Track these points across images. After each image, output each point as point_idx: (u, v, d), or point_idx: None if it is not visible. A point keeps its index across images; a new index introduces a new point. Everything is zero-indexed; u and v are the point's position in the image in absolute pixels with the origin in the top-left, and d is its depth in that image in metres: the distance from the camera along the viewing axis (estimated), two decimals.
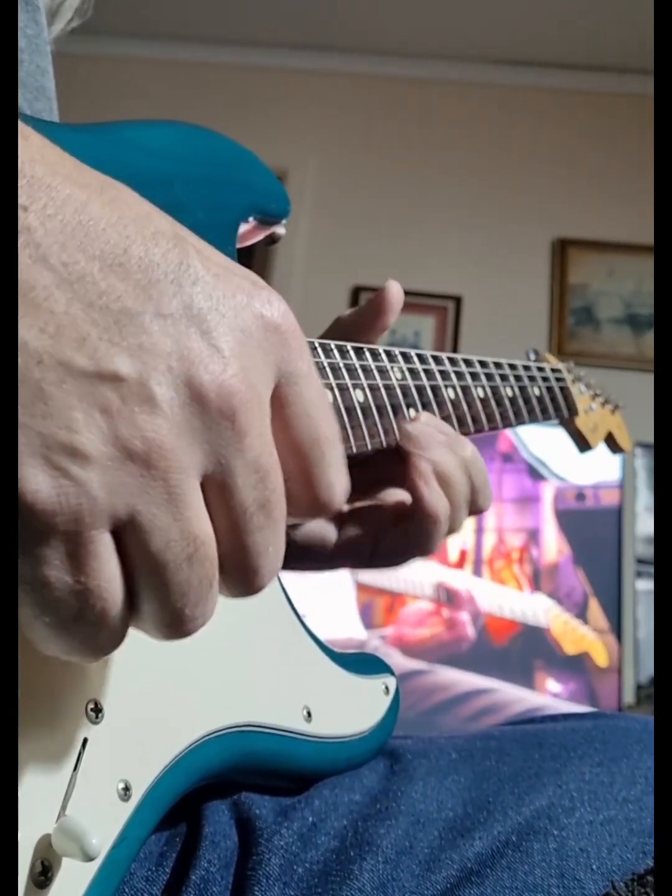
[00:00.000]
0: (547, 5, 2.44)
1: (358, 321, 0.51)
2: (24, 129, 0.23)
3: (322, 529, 0.49)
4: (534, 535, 1.96)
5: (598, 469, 1.99)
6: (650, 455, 2.31)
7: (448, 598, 1.88)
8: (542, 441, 1.99)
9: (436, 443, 0.46)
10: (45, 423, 0.21)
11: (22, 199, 0.21)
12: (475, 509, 0.49)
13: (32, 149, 0.23)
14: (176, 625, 0.24)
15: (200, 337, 0.23)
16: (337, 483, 0.27)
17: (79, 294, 0.22)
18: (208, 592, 0.24)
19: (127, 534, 0.23)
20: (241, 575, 0.26)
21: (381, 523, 0.49)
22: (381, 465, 0.50)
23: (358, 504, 0.51)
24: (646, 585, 2.21)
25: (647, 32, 2.34)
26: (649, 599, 2.18)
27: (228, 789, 0.41)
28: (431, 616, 1.87)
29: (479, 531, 1.95)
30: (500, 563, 1.93)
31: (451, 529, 0.48)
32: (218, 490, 0.24)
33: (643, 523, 2.28)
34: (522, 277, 2.55)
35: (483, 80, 2.73)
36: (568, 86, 2.70)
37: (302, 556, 0.50)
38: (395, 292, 0.50)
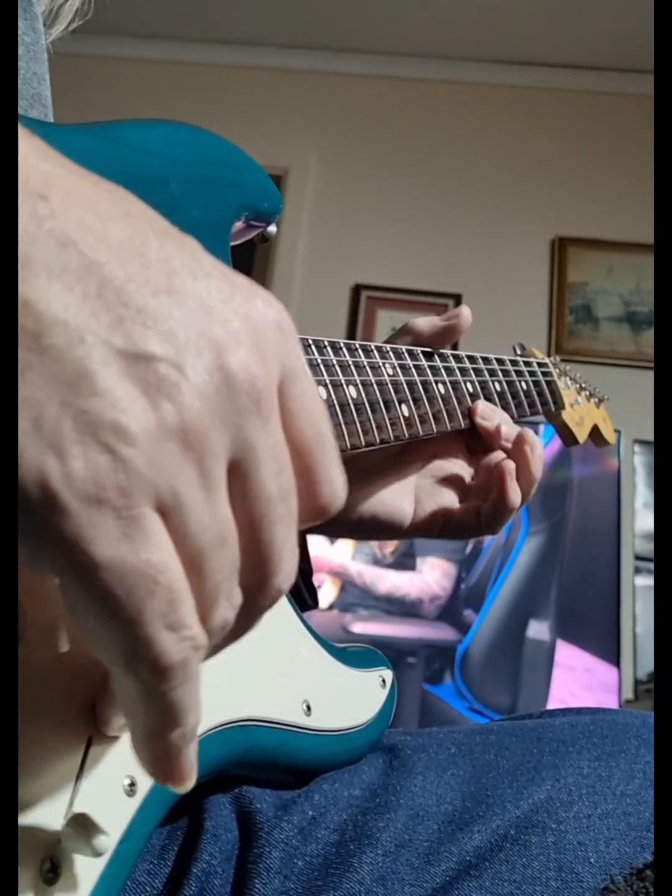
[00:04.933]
0: (547, 5, 2.44)
1: (439, 335, 0.60)
2: (24, 128, 0.23)
3: (400, 509, 0.58)
4: None
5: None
6: (650, 452, 2.31)
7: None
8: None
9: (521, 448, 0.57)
10: (91, 401, 0.20)
11: (39, 188, 0.21)
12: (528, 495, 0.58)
13: (39, 146, 0.23)
14: (211, 617, 0.23)
15: (221, 326, 0.23)
16: (338, 479, 0.27)
17: (108, 278, 0.22)
18: (233, 584, 0.24)
19: (166, 516, 0.22)
20: (261, 574, 0.24)
21: (450, 502, 0.58)
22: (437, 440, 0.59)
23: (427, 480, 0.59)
24: (644, 581, 2.21)
25: (647, 32, 2.34)
26: (648, 595, 2.19)
27: (229, 783, 0.41)
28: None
29: None
30: None
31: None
32: (241, 477, 0.24)
33: (642, 520, 2.28)
34: (522, 276, 2.55)
35: (482, 80, 2.72)
36: (568, 85, 2.70)
37: (377, 529, 0.58)
38: (468, 316, 0.60)
